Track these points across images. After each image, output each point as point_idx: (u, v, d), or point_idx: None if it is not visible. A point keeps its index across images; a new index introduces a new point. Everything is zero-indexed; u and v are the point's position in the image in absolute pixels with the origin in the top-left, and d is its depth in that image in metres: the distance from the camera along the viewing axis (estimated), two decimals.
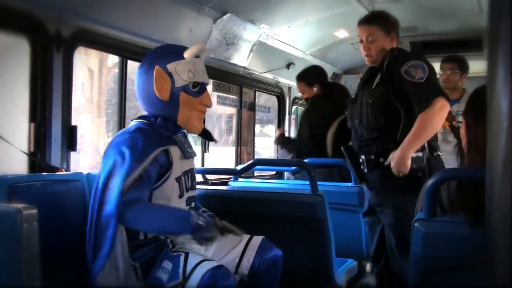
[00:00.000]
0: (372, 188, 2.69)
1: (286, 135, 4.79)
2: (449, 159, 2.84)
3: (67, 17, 2.39)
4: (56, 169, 2.29)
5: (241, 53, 3.77)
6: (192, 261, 1.81)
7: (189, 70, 1.98)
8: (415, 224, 1.44)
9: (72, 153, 2.50)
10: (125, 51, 2.91)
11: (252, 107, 4.64)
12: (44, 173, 2.23)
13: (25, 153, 2.26)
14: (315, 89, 3.83)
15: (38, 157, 2.31)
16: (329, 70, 5.05)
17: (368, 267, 3.22)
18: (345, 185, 3.29)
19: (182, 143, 2.05)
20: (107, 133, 3.97)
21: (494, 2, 0.74)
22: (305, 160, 3.18)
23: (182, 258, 1.83)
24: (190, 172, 2.08)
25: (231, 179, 3.49)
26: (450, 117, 3.23)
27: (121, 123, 2.94)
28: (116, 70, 3.21)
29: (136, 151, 1.85)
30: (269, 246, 2.08)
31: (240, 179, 3.51)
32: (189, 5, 3.02)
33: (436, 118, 2.41)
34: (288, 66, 4.48)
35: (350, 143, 2.75)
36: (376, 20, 2.66)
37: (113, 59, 3.87)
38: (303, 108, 4.59)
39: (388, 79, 2.52)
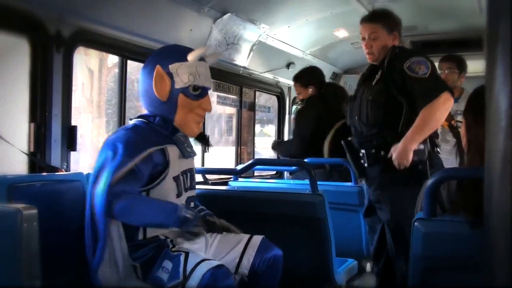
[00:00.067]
0: (371, 184, 2.67)
1: (286, 135, 4.80)
2: (447, 159, 2.84)
3: (67, 17, 2.39)
4: (56, 169, 2.29)
5: (241, 53, 3.77)
6: (192, 260, 1.80)
7: (190, 72, 1.97)
8: (415, 223, 1.44)
9: (72, 153, 2.50)
10: (125, 51, 2.91)
11: (252, 107, 4.64)
12: (44, 173, 2.24)
13: (25, 153, 2.26)
14: (310, 90, 3.83)
15: (38, 157, 2.31)
16: (329, 70, 5.05)
17: (368, 266, 3.21)
18: (345, 184, 3.30)
19: (181, 142, 2.04)
20: (107, 133, 3.97)
21: (493, 1, 0.74)
22: (305, 160, 3.18)
23: (182, 257, 1.83)
24: (190, 172, 2.08)
25: (231, 179, 3.49)
26: (449, 117, 3.22)
27: (121, 123, 2.94)
28: (116, 70, 3.21)
29: (128, 147, 1.85)
30: (269, 246, 2.08)
31: (240, 179, 3.51)
32: (189, 5, 3.01)
33: (441, 111, 2.41)
34: (288, 66, 4.47)
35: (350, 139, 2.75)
36: (380, 18, 2.67)
37: (113, 59, 3.88)
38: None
39: (389, 75, 2.52)
